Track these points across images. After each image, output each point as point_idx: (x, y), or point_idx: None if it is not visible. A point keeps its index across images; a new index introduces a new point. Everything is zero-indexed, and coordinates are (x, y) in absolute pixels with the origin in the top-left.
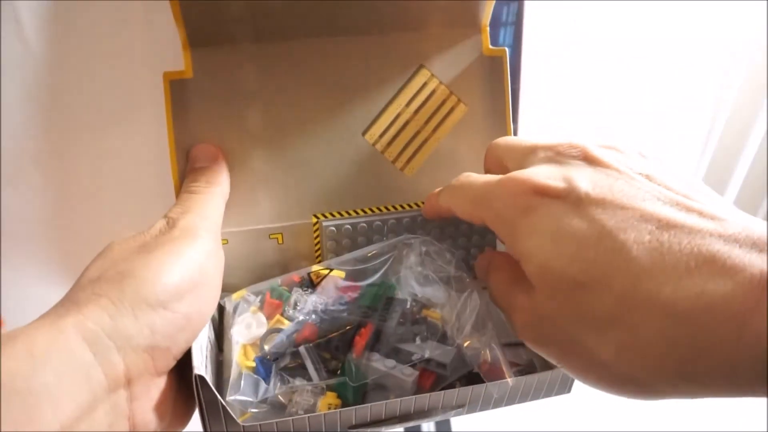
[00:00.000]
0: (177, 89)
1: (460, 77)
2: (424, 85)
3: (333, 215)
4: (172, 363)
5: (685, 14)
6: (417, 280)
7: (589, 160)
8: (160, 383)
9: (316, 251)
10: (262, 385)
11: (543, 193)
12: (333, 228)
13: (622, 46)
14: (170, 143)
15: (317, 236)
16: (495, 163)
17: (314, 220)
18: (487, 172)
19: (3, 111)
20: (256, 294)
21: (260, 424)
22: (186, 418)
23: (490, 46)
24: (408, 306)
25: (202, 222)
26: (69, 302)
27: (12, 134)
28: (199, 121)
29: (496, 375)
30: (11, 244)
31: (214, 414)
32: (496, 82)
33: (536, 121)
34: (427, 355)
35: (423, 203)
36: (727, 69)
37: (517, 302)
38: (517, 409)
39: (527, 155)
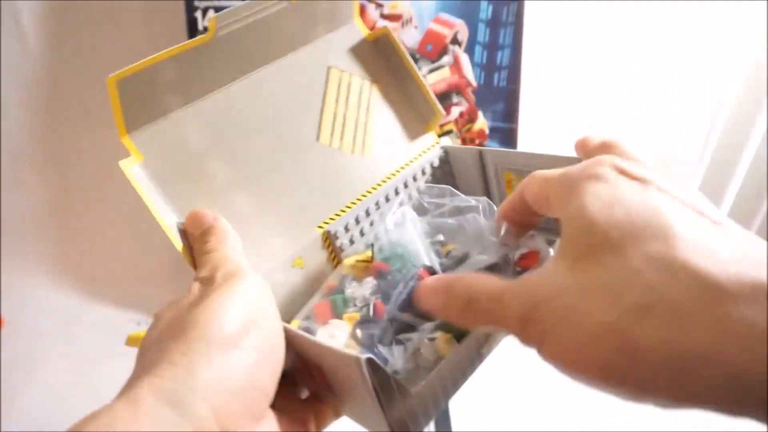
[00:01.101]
0: (138, 173)
1: (362, 64)
2: (340, 81)
3: (332, 219)
4: (265, 403)
5: (685, 14)
6: (427, 234)
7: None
8: (264, 428)
9: (333, 257)
10: (390, 358)
11: (623, 171)
12: (340, 228)
13: (622, 46)
14: (159, 221)
15: (328, 243)
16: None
17: (320, 230)
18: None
19: (3, 111)
20: (306, 318)
21: (424, 385)
22: None
23: (369, 31)
24: (436, 254)
25: (235, 267)
26: (139, 371)
27: (12, 134)
28: (173, 193)
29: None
30: (11, 244)
31: (387, 396)
32: (394, 56)
33: (536, 121)
34: (487, 257)
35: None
36: (727, 69)
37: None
38: (518, 410)
39: None
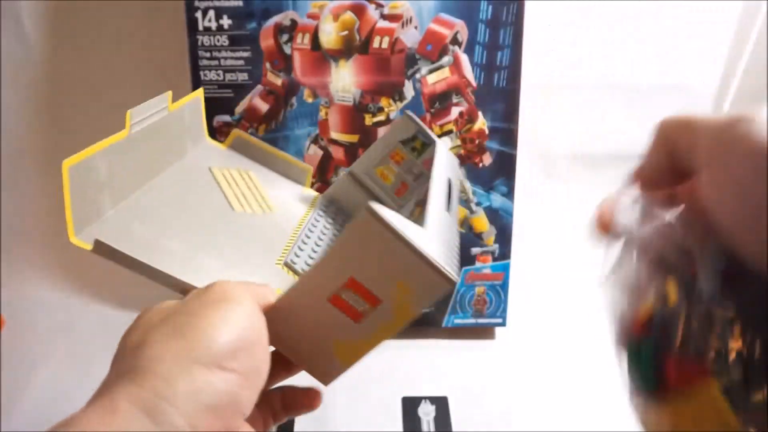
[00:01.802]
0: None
1: (234, 158)
2: (223, 174)
3: (283, 253)
4: (241, 420)
5: (685, 14)
6: None
7: None
8: None
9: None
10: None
11: None
12: (293, 256)
13: (622, 46)
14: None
15: (292, 271)
16: None
17: (280, 264)
18: None
19: (3, 111)
20: None
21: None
22: None
23: (223, 141)
24: None
25: (234, 291)
26: (117, 375)
27: (12, 134)
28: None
29: None
30: (11, 244)
31: (411, 233)
32: (253, 146)
33: (536, 121)
34: None
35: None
36: (727, 68)
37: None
38: (517, 410)
39: None
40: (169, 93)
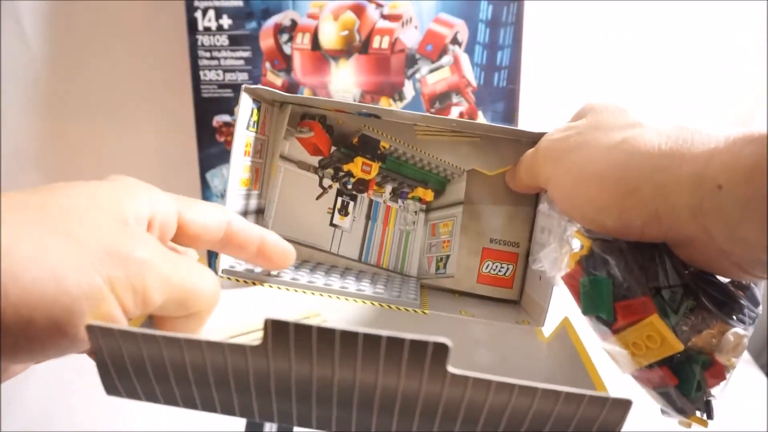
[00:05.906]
0: None
1: None
2: None
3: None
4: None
5: (685, 14)
6: None
7: None
8: None
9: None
10: None
11: None
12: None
13: (622, 46)
14: None
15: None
16: None
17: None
18: None
19: (3, 111)
20: None
21: None
22: None
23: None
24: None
25: None
26: None
27: (12, 134)
28: None
29: None
30: None
31: None
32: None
33: (536, 121)
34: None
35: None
36: (727, 69)
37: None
38: None
39: None
40: None
